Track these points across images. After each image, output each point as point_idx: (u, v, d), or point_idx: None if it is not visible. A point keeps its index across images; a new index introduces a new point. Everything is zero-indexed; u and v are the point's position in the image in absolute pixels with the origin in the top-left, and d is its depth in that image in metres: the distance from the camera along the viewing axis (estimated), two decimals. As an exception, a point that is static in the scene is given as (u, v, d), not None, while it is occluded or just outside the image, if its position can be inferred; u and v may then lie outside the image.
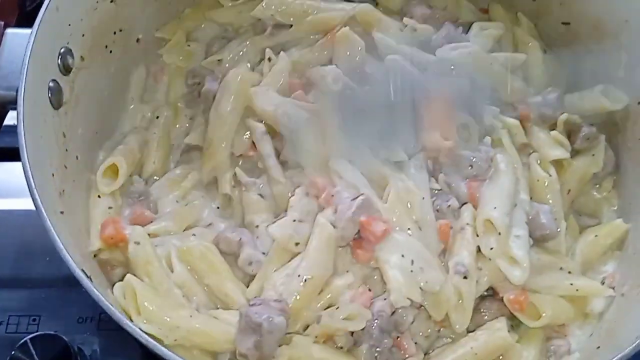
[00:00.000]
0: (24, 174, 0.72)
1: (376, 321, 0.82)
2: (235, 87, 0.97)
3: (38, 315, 0.98)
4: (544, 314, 0.87)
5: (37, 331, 0.95)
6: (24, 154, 0.72)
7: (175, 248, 0.88)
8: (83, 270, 0.69)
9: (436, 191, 0.93)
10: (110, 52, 0.97)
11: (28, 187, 0.71)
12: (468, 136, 0.91)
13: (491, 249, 0.86)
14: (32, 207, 0.73)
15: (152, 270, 0.84)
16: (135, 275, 0.84)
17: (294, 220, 0.88)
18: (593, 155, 1.01)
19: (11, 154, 0.82)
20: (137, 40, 1.02)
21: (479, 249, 0.88)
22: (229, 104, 0.96)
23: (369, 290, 0.85)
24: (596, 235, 0.96)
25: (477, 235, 0.88)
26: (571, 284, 0.90)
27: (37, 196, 0.70)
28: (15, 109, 0.77)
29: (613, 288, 0.92)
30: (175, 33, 1.07)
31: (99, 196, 0.92)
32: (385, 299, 0.83)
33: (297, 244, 0.86)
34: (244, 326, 0.79)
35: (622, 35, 0.99)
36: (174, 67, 1.07)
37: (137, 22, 1.00)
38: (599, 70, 1.03)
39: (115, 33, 0.96)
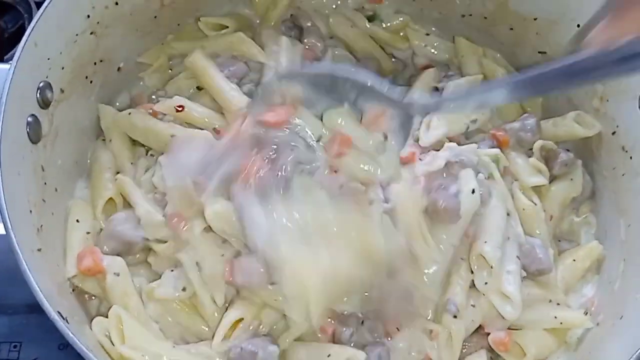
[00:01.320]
0: (1, 216, 0.71)
1: None
2: None
3: (19, 341, 0.97)
4: (528, 353, 0.88)
5: (18, 358, 0.95)
6: (0, 196, 0.71)
7: (145, 285, 0.88)
8: (59, 313, 0.69)
9: None
10: (91, 82, 0.96)
11: (5, 229, 0.70)
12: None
13: (485, 283, 0.87)
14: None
15: (129, 302, 0.85)
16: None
17: (171, 270, 0.87)
18: (571, 179, 1.01)
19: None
20: (119, 69, 1.02)
21: (472, 284, 0.89)
22: None
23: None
24: (574, 260, 0.97)
25: (472, 272, 0.89)
26: (555, 317, 0.91)
27: (13, 239, 0.70)
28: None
29: (590, 314, 0.93)
30: (158, 58, 1.06)
31: (77, 220, 0.91)
32: None
33: (184, 289, 0.85)
34: (236, 356, 0.80)
35: (597, 66, 1.00)
36: (154, 89, 1.07)
37: (117, 51, 0.99)
38: (575, 99, 1.05)
39: (95, 64, 0.96)
